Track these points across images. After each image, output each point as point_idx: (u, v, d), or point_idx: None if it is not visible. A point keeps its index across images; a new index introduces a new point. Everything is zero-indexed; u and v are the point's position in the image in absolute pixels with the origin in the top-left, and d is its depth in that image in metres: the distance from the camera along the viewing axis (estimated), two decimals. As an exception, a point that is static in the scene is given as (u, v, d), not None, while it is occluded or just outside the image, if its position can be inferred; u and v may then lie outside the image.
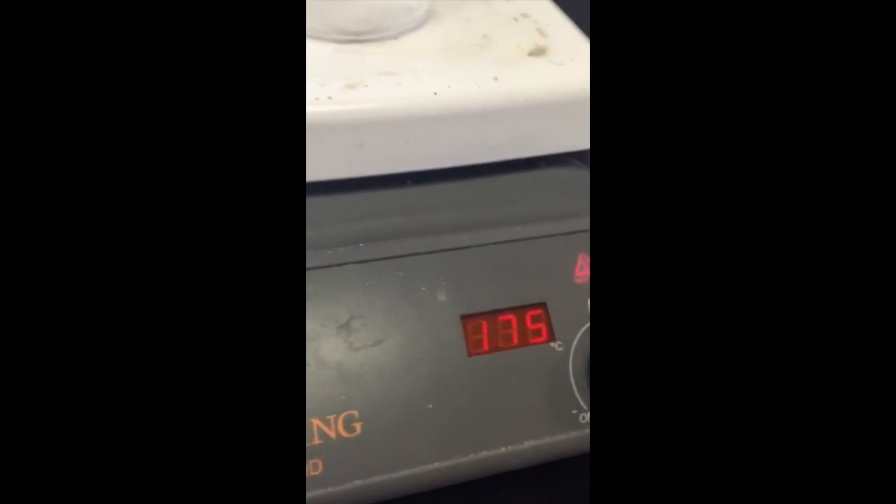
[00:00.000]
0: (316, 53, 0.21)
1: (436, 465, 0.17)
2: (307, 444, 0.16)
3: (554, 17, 0.25)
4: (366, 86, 0.19)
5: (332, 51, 0.21)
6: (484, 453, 0.17)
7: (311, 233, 0.19)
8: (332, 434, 0.16)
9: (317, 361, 0.17)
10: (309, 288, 0.18)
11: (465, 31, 0.23)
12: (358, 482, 0.16)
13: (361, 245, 0.19)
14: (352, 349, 0.17)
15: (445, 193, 0.21)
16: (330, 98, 0.18)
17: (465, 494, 0.19)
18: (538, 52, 0.22)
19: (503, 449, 0.18)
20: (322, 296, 0.18)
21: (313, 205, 0.19)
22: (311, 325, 0.17)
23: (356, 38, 0.21)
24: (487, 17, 0.24)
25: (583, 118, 0.21)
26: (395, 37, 0.22)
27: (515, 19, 0.24)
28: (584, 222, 0.21)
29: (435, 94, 0.19)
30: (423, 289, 0.19)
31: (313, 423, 0.16)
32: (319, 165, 0.19)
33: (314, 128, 0.18)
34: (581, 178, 0.22)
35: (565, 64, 0.21)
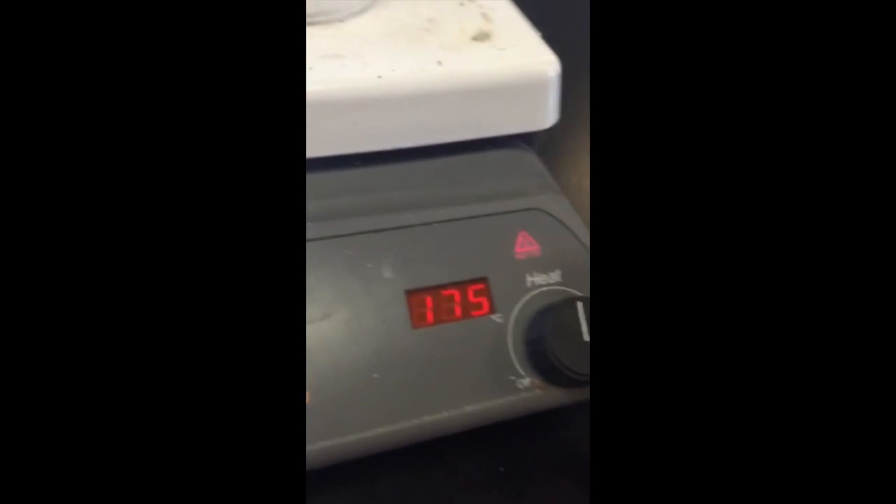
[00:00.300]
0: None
1: (381, 429, 0.18)
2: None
3: (499, 2, 0.25)
4: (311, 68, 0.20)
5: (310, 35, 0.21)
6: (427, 418, 0.19)
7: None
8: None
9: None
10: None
11: (411, 14, 0.23)
12: (308, 447, 0.17)
13: (310, 224, 0.19)
14: (305, 318, 0.18)
15: (392, 174, 0.22)
16: (275, 81, 0.19)
17: (417, 457, 0.20)
18: (482, 36, 0.23)
19: (446, 413, 0.19)
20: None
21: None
22: (261, 302, 0.18)
23: (312, 20, 0.22)
24: (433, 2, 0.24)
25: (524, 101, 0.22)
26: (341, 20, 0.22)
27: (461, 3, 0.25)
28: (526, 201, 0.22)
29: (379, 77, 0.20)
30: (370, 265, 0.20)
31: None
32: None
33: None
34: (522, 159, 0.23)
35: (508, 49, 0.22)
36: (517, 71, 0.22)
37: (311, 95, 0.19)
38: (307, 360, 0.18)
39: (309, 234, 0.19)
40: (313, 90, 0.19)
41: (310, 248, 0.19)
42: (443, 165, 0.22)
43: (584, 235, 0.22)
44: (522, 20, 0.24)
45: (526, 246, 0.21)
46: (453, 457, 0.22)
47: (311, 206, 0.20)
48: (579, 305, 0.19)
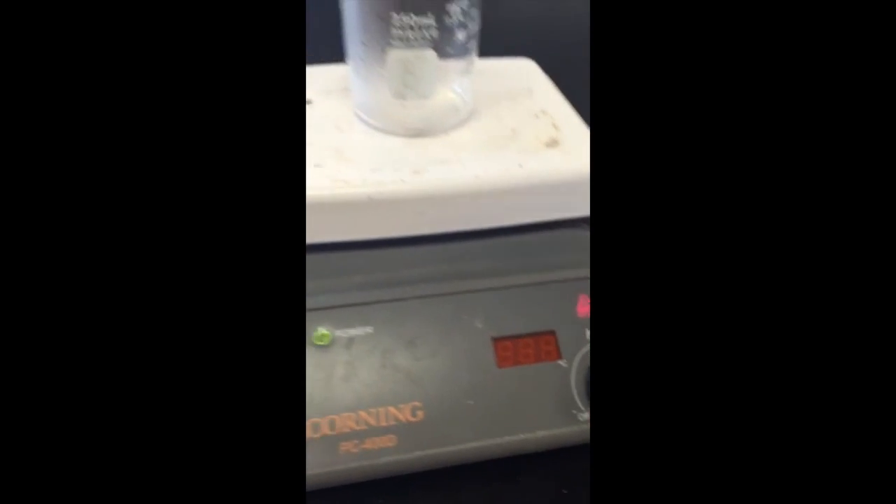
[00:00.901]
0: (391, 146, 0.28)
1: (472, 444, 0.24)
2: (387, 424, 0.23)
3: (566, 113, 0.32)
4: (427, 170, 0.27)
5: (402, 144, 0.29)
6: (507, 438, 0.24)
7: (386, 275, 0.26)
8: (402, 418, 0.23)
9: (392, 367, 0.24)
10: (384, 315, 0.25)
11: (498, 126, 0.31)
12: (419, 452, 0.23)
13: (422, 284, 0.26)
14: (416, 359, 0.24)
15: (483, 248, 0.28)
16: (403, 181, 0.26)
17: (495, 474, 0.26)
18: (552, 143, 0.29)
19: (521, 436, 0.24)
20: (395, 321, 0.25)
21: (390, 255, 0.27)
22: (388, 342, 0.25)
23: (419, 134, 0.29)
24: (515, 114, 0.32)
25: (583, 194, 0.28)
26: (446, 132, 0.30)
27: (536, 116, 0.32)
28: (585, 271, 0.28)
29: (476, 176, 0.27)
30: (465, 318, 0.26)
31: (389, 410, 0.23)
32: (395, 226, 0.27)
33: (393, 201, 0.26)
34: (582, 237, 0.29)
35: (572, 153, 0.29)
36: (578, 172, 0.28)
37: (427, 190, 0.26)
38: (422, 387, 0.24)
39: (420, 292, 0.26)
40: (428, 187, 0.27)
41: (421, 304, 0.26)
42: (521, 241, 0.29)
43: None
44: (584, 127, 0.31)
45: (586, 306, 0.27)
46: (525, 476, 0.27)
47: (423, 270, 0.27)
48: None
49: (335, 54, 0.35)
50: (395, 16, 0.25)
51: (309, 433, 0.23)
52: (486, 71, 0.34)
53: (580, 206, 0.29)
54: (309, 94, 0.32)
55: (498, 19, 0.30)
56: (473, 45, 0.29)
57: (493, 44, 0.35)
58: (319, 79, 0.34)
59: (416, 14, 0.25)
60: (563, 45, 0.42)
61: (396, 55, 0.27)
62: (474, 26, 0.28)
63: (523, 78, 0.35)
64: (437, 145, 0.29)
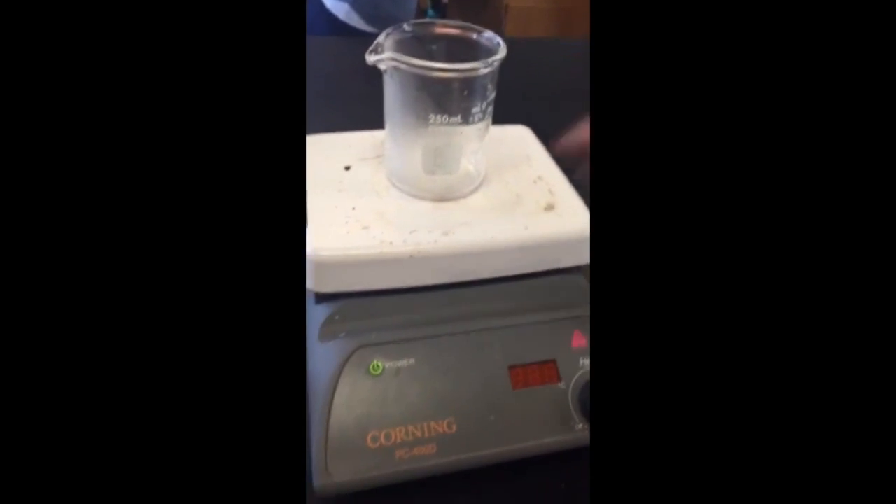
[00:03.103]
0: (422, 210, 0.35)
1: (495, 449, 0.30)
2: (429, 436, 0.30)
3: (559, 179, 0.39)
4: (455, 232, 0.34)
5: (430, 208, 0.36)
6: (520, 444, 0.31)
7: (423, 315, 0.33)
8: (441, 430, 0.30)
9: (431, 391, 0.31)
10: (423, 349, 0.32)
11: (505, 191, 0.38)
12: (454, 457, 0.30)
13: (452, 323, 0.33)
14: (449, 384, 0.31)
15: (498, 292, 0.35)
16: (436, 241, 0.33)
17: (511, 474, 0.32)
18: (549, 207, 0.37)
19: (531, 442, 0.31)
20: (432, 354, 0.32)
21: (426, 298, 0.33)
22: (427, 371, 0.31)
23: (443, 199, 0.36)
24: (518, 180, 0.39)
25: (577, 248, 0.36)
26: (465, 196, 0.37)
27: (535, 181, 0.39)
28: (578, 310, 0.35)
29: (492, 237, 0.34)
30: (486, 349, 0.33)
31: (430, 425, 0.30)
32: (430, 276, 0.33)
33: (429, 257, 0.33)
34: (576, 281, 0.37)
35: (565, 216, 0.36)
36: (571, 232, 0.35)
37: (455, 248, 0.33)
38: (455, 406, 0.31)
39: (451, 330, 0.33)
40: (455, 245, 0.33)
41: (450, 340, 0.32)
42: (527, 286, 0.36)
43: (615, 333, 0.35)
44: (573, 192, 0.38)
45: (579, 340, 0.34)
46: (534, 474, 0.34)
47: (452, 311, 0.34)
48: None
49: (366, 121, 0.41)
50: (431, 116, 0.32)
51: (370, 443, 0.29)
52: (490, 138, 0.41)
53: (573, 259, 0.36)
54: (348, 161, 0.39)
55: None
56: (488, 124, 0.36)
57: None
58: (356, 145, 0.40)
59: (449, 115, 0.32)
60: (553, 111, 0.49)
61: (429, 142, 0.34)
62: (490, 110, 0.35)
63: (521, 145, 0.43)
64: (459, 209, 0.36)
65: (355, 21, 1.25)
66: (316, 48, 0.91)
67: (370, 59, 0.31)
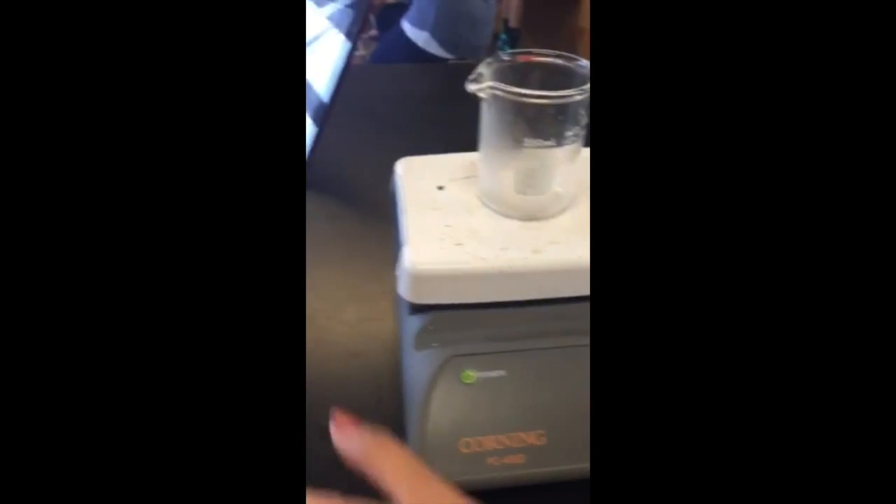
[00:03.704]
0: (512, 228, 0.37)
1: (583, 464, 0.31)
2: (519, 446, 0.31)
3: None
4: (546, 251, 0.35)
5: (520, 227, 0.37)
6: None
7: (514, 329, 0.34)
8: (530, 442, 0.31)
9: (522, 403, 0.32)
10: (513, 362, 0.33)
11: (588, 211, 0.39)
12: (542, 469, 0.31)
13: (540, 338, 0.34)
14: (539, 397, 0.32)
15: (583, 309, 0.36)
16: (526, 258, 0.34)
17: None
18: (638, 228, 0.37)
19: (620, 460, 0.31)
20: (522, 367, 0.33)
21: (515, 313, 0.35)
22: (517, 383, 0.32)
23: (532, 218, 0.38)
24: (605, 201, 0.40)
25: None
26: (554, 216, 0.38)
27: (622, 203, 0.40)
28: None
29: (580, 256, 0.35)
30: (572, 365, 0.33)
31: (520, 436, 0.31)
32: (520, 292, 0.35)
33: (519, 274, 0.34)
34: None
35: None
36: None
37: (544, 266, 0.35)
38: (545, 419, 0.32)
39: (540, 345, 0.34)
40: (545, 263, 0.35)
41: (539, 354, 0.34)
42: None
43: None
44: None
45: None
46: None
47: (540, 327, 0.35)
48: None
49: (448, 144, 0.44)
50: (525, 140, 0.34)
51: (463, 449, 0.30)
52: (582, 160, 0.42)
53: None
54: (441, 181, 0.41)
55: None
56: (580, 147, 0.37)
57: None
58: (447, 166, 0.43)
59: (543, 139, 0.34)
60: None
61: (522, 164, 0.35)
62: (583, 134, 0.36)
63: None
64: (548, 228, 0.37)
65: (434, 48, 1.31)
66: (398, 75, 0.96)
67: (471, 87, 0.33)
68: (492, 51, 1.87)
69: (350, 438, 0.23)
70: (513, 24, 2.06)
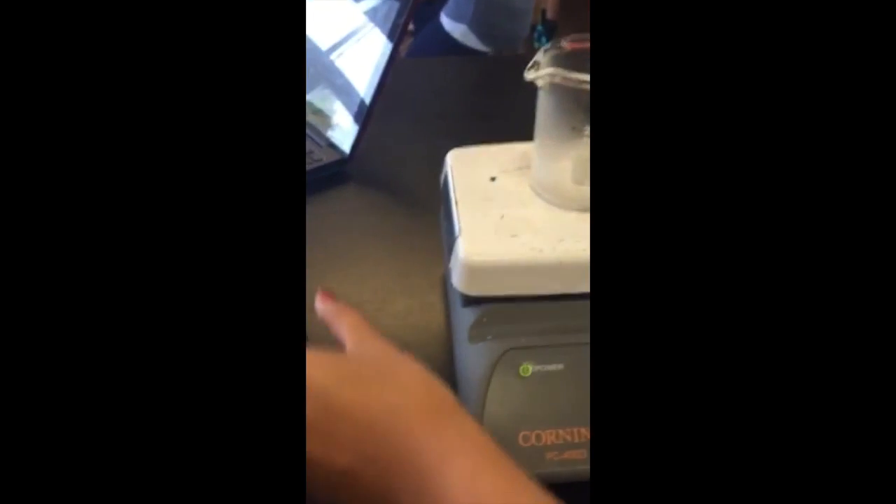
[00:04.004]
0: (568, 220, 0.36)
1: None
2: (579, 441, 0.30)
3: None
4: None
5: (576, 218, 0.36)
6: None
7: (571, 322, 0.34)
8: (590, 437, 0.30)
9: (581, 397, 0.31)
10: (571, 356, 0.32)
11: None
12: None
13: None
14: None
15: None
16: (584, 249, 0.34)
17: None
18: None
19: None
20: (579, 361, 0.32)
21: (572, 306, 0.34)
22: (575, 377, 0.32)
23: (587, 209, 0.37)
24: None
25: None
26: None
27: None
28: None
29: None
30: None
31: (580, 430, 0.30)
32: (577, 284, 0.34)
33: (577, 266, 0.33)
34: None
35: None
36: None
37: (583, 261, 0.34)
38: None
39: (577, 340, 0.33)
40: (581, 260, 0.34)
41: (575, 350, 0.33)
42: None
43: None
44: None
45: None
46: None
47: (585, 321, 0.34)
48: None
49: (500, 135, 0.43)
50: (585, 128, 0.33)
51: (522, 442, 0.30)
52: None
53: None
54: (492, 172, 0.41)
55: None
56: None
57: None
58: (499, 158, 0.42)
59: (604, 126, 0.33)
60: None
61: (581, 153, 0.34)
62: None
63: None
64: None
65: (472, 41, 1.30)
66: (436, 69, 0.96)
67: (529, 75, 0.33)
68: (528, 43, 1.85)
69: (325, 306, 0.32)
70: (550, 15, 2.03)
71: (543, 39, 1.99)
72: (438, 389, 0.25)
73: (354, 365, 0.26)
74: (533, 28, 2.00)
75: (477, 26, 1.23)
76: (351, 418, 0.23)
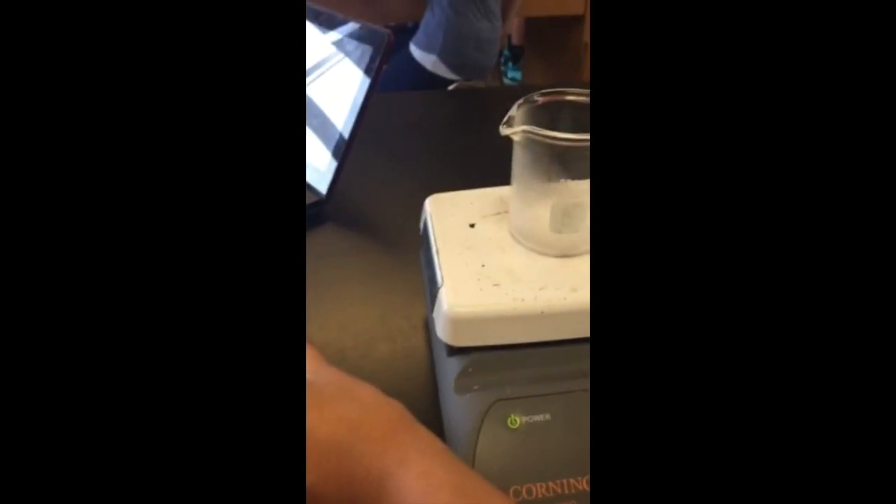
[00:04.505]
0: (548, 266, 0.37)
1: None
2: (569, 492, 0.30)
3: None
4: (582, 288, 0.35)
5: (556, 264, 0.37)
6: None
7: (556, 369, 0.34)
8: (581, 488, 0.31)
9: (570, 447, 0.31)
10: (557, 405, 0.33)
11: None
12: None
13: (582, 379, 0.34)
14: (586, 439, 0.32)
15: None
16: (565, 298, 0.34)
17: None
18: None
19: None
20: (566, 410, 0.32)
21: (558, 353, 0.34)
22: (562, 427, 0.32)
23: (567, 255, 0.38)
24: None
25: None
26: (579, 255, 0.38)
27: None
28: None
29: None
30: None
31: (570, 482, 0.31)
32: (560, 332, 0.35)
33: (559, 314, 0.34)
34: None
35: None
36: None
37: (584, 304, 0.34)
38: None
39: (582, 386, 0.33)
40: (584, 302, 0.34)
41: (582, 396, 0.33)
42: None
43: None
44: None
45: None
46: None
47: (583, 367, 0.34)
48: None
49: (476, 171, 0.44)
50: (561, 179, 0.34)
51: (513, 497, 0.30)
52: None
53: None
54: (471, 218, 0.41)
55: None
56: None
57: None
58: (477, 203, 0.43)
59: (579, 178, 0.34)
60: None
61: (557, 202, 0.35)
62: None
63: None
64: (584, 265, 0.37)
65: (442, 70, 1.32)
66: (407, 102, 0.97)
67: (504, 131, 0.33)
68: (496, 70, 1.89)
69: None
70: (515, 41, 2.08)
71: (510, 65, 2.03)
72: (396, 405, 0.28)
73: (315, 389, 0.27)
74: (500, 53, 2.04)
75: (447, 56, 1.25)
76: (313, 439, 0.24)
